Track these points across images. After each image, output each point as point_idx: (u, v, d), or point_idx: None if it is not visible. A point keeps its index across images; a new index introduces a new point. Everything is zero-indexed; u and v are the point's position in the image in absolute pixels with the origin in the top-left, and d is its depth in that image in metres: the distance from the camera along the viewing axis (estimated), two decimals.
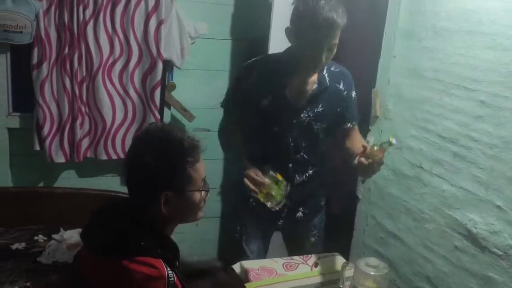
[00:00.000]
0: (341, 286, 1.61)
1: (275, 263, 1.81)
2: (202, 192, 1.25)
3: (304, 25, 1.50)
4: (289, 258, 1.87)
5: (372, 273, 1.46)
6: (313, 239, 1.98)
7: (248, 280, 1.69)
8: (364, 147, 1.51)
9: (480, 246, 1.71)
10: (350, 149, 1.77)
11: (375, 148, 1.46)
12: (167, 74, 2.47)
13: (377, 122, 2.23)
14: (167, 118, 2.55)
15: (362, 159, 1.49)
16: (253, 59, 1.74)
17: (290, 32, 1.58)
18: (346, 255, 2.38)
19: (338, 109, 1.75)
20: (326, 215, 2.03)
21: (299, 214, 1.90)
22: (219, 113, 2.78)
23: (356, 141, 1.78)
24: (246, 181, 1.61)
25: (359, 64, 2.74)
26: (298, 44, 1.58)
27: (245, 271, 1.74)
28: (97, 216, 1.24)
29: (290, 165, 1.77)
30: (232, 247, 2.03)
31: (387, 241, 2.22)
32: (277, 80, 1.66)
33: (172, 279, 1.14)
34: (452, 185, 1.84)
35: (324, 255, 1.91)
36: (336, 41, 1.54)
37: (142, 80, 2.39)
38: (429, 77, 1.93)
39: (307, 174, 1.82)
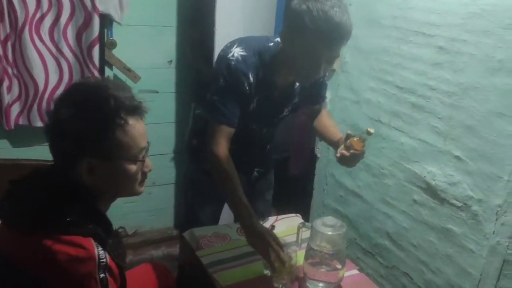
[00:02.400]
0: (297, 248, 1.52)
1: (229, 229, 1.71)
2: (139, 163, 1.07)
3: (314, 32, 1.25)
4: None
5: (330, 232, 1.37)
6: (268, 197, 1.90)
7: (199, 248, 1.58)
8: (348, 135, 1.40)
9: (439, 199, 1.66)
10: (318, 130, 1.68)
11: (355, 139, 1.38)
12: (105, 30, 2.25)
13: (334, 75, 2.12)
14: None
15: (344, 151, 1.40)
16: (241, 53, 1.40)
17: (289, 37, 1.33)
18: (306, 216, 2.33)
19: (312, 94, 1.65)
20: (286, 177, 1.95)
21: (255, 174, 1.80)
22: (167, 73, 2.61)
23: (324, 120, 1.68)
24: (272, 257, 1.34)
25: None
26: (297, 52, 1.32)
27: (196, 239, 1.62)
28: (16, 186, 1.07)
29: (257, 151, 1.72)
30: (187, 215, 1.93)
31: (346, 199, 2.16)
32: (268, 83, 1.48)
33: (104, 260, 0.98)
34: (411, 138, 1.77)
35: (282, 217, 1.83)
36: (339, 53, 1.36)
37: (76, 37, 2.16)
38: (386, 25, 1.82)
39: (268, 147, 1.78)
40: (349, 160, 1.40)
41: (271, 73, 1.45)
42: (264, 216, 1.80)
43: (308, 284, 1.39)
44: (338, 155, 1.42)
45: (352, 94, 2.05)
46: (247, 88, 1.43)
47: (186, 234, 1.67)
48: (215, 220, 1.86)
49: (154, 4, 2.40)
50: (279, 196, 2.14)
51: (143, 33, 2.42)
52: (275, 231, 1.71)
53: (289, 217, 1.84)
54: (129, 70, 2.33)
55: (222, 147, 1.44)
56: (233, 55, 1.40)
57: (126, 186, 1.09)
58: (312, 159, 2.42)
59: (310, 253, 1.39)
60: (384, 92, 1.87)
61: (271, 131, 1.70)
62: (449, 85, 1.58)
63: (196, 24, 2.44)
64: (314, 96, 1.65)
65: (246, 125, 1.54)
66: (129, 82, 2.41)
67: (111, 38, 2.27)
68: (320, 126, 1.67)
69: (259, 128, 1.62)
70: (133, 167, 1.05)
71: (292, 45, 1.33)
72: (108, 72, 2.32)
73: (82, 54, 2.18)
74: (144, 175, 1.12)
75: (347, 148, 1.39)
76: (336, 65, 2.11)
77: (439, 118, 1.63)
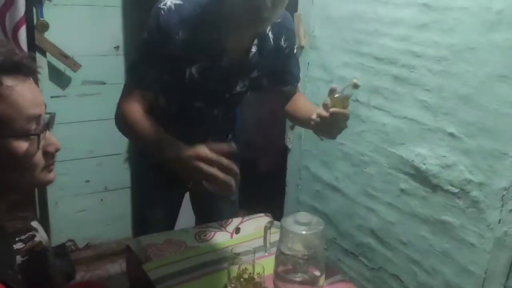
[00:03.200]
0: (266, 254, 1.24)
1: (185, 234, 1.42)
2: (32, 139, 0.78)
3: None
4: (204, 225, 1.48)
5: (303, 232, 1.09)
6: (233, 198, 1.59)
7: (148, 259, 1.28)
8: (331, 91, 1.07)
9: (431, 186, 1.41)
10: (291, 114, 1.38)
11: (336, 95, 1.05)
12: (34, 9, 1.93)
13: (302, 52, 1.85)
14: (43, 67, 2.01)
15: (321, 111, 1.07)
16: (176, 2, 1.12)
17: None
18: (279, 216, 2.06)
19: (276, 70, 1.33)
20: (255, 174, 1.64)
21: None
22: (114, 61, 2.29)
23: (299, 105, 1.37)
24: (201, 165, 0.99)
25: None
26: None
27: (144, 249, 1.32)
28: None
29: (213, 139, 1.35)
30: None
31: (324, 194, 1.90)
32: (213, 45, 1.16)
33: None
34: (394, 117, 1.52)
35: (249, 218, 1.54)
36: None
37: None
38: None
39: (229, 138, 1.48)
40: (329, 124, 1.08)
41: (217, 31, 1.15)
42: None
43: None
44: (314, 116, 1.09)
45: (324, 72, 1.79)
46: (178, 46, 1.13)
47: (132, 243, 1.37)
48: (169, 225, 1.56)
49: None
50: (248, 196, 1.85)
51: (82, 14, 2.10)
52: (240, 234, 1.44)
53: (257, 217, 1.56)
54: (66, 56, 2.02)
55: (131, 105, 1.17)
56: (165, 4, 1.11)
57: (23, 173, 0.80)
58: (283, 151, 2.15)
59: (280, 259, 1.11)
60: (361, 67, 1.61)
61: (227, 113, 1.39)
62: (438, 49, 1.33)
63: (145, 2, 2.14)
64: (282, 73, 1.35)
65: (188, 102, 1.25)
66: (68, 71, 2.10)
67: (41, 19, 1.95)
68: (292, 108, 1.37)
69: (208, 107, 1.31)
70: (23, 145, 0.77)
71: None
72: (41, 59, 2.00)
73: (6, 37, 1.84)
74: (49, 156, 0.83)
75: (326, 107, 1.06)
76: (303, 41, 1.85)
77: (427, 90, 1.38)
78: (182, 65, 1.17)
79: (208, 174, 0.97)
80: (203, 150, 0.98)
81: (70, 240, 2.35)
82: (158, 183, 1.47)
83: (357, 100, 1.66)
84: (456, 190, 1.33)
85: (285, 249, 1.10)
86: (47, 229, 2.23)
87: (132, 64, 1.21)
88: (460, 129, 1.31)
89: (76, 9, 2.08)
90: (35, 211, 2.13)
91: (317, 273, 1.11)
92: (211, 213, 1.57)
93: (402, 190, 1.52)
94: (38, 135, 0.79)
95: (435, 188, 1.40)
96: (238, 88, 1.29)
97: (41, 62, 2.00)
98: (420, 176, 1.44)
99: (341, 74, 1.71)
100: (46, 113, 0.82)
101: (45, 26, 1.95)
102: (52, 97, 2.09)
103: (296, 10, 1.86)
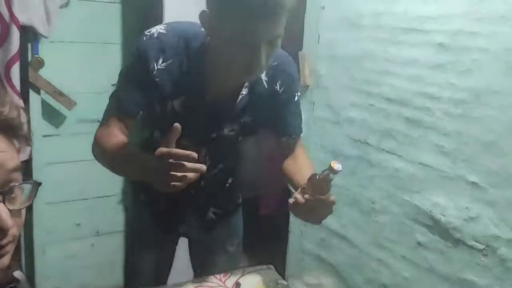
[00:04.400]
0: None
1: None
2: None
3: (232, 4, 0.90)
4: (200, 279, 1.34)
5: None
6: (230, 249, 1.45)
7: None
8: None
9: (452, 240, 1.28)
10: (287, 176, 1.23)
11: (316, 178, 0.95)
12: (29, 45, 1.86)
13: (307, 92, 1.77)
14: (36, 105, 1.93)
15: (298, 195, 0.97)
16: (160, 31, 1.07)
17: (208, 19, 0.98)
18: (282, 266, 1.92)
19: (271, 118, 1.21)
20: (257, 218, 1.50)
21: (210, 215, 1.37)
22: None
23: (298, 161, 1.24)
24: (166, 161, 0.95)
25: None
26: (221, 37, 0.96)
27: None
28: None
29: (202, 182, 1.23)
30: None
31: (330, 242, 1.77)
32: (196, 80, 1.08)
33: None
34: (408, 162, 1.41)
35: (250, 270, 1.40)
36: (282, 29, 0.96)
37: None
38: (368, 25, 1.50)
39: (228, 183, 1.34)
40: (307, 211, 0.97)
41: (201, 68, 1.06)
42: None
43: None
44: (291, 201, 0.99)
45: (331, 113, 1.70)
46: (157, 74, 1.05)
47: None
48: (161, 275, 1.42)
49: (94, 17, 2.04)
50: (248, 242, 1.72)
51: (80, 51, 2.04)
52: None
53: (260, 269, 1.42)
54: (61, 94, 1.93)
55: (105, 129, 1.10)
56: (149, 31, 1.06)
57: None
58: (286, 193, 2.03)
59: None
60: (370, 107, 1.52)
61: (218, 155, 1.25)
62: (455, 91, 1.24)
63: None
64: (278, 121, 1.21)
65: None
66: (62, 109, 2.01)
67: (36, 56, 1.88)
68: (288, 168, 1.23)
69: (195, 146, 1.18)
70: None
71: (214, 27, 0.97)
72: (34, 97, 1.91)
73: None
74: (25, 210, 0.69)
75: (303, 192, 0.96)
76: (308, 80, 1.77)
77: (445, 134, 1.28)
78: (162, 95, 1.08)
79: (174, 165, 0.92)
80: (161, 148, 0.94)
81: None
82: (151, 226, 1.35)
83: (366, 143, 1.55)
84: (481, 247, 1.21)
85: None
86: (32, 276, 2.08)
87: (112, 92, 1.13)
88: (483, 178, 1.20)
89: (74, 46, 2.01)
90: (20, 258, 1.99)
91: None
92: (209, 264, 1.43)
93: (419, 243, 1.39)
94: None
95: (456, 242, 1.27)
96: (226, 131, 1.17)
97: (35, 100, 1.92)
98: (439, 228, 1.32)
99: (349, 115, 1.62)
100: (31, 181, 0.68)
101: (40, 63, 1.88)
102: (44, 136, 2.00)
103: (301, 49, 1.80)
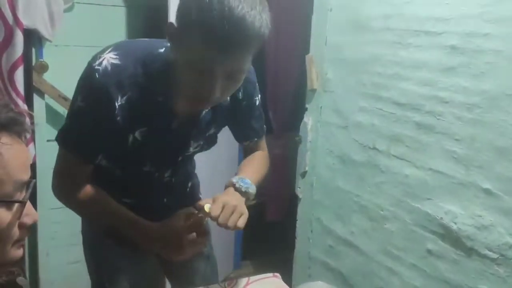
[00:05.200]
0: None
1: None
2: (16, 207, 0.67)
3: (201, 25, 0.83)
4: None
5: None
6: (207, 252, 1.38)
7: None
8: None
9: (464, 248, 1.24)
10: (238, 169, 1.22)
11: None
12: (33, 49, 1.85)
13: (315, 96, 1.73)
14: (40, 109, 1.91)
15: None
16: (113, 62, 0.95)
17: (174, 31, 0.90)
18: (288, 274, 1.88)
19: (234, 125, 1.20)
20: (262, 223, 1.45)
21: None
22: None
23: (251, 161, 1.24)
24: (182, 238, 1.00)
25: (286, 24, 2.27)
26: (181, 55, 0.90)
27: None
28: None
29: (165, 199, 1.21)
30: None
31: (337, 249, 1.73)
32: (160, 107, 1.01)
33: None
34: (418, 168, 1.37)
35: (255, 279, 1.37)
36: (246, 65, 0.90)
37: None
38: (377, 28, 1.46)
39: (188, 187, 1.31)
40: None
41: (162, 94, 0.99)
42: (208, 281, 1.31)
43: None
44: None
45: (339, 117, 1.66)
46: (117, 112, 0.96)
47: None
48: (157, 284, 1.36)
49: (98, 20, 2.03)
50: (253, 249, 1.68)
51: (85, 55, 1.99)
52: None
53: (265, 277, 1.39)
54: (65, 99, 1.91)
55: (76, 186, 1.06)
56: (100, 63, 0.94)
57: None
58: (293, 200, 1.99)
59: None
60: (379, 112, 1.48)
61: (181, 174, 1.21)
62: (468, 95, 1.20)
63: None
64: (240, 127, 1.19)
65: (134, 166, 1.10)
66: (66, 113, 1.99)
67: (41, 60, 1.87)
68: (240, 166, 1.22)
69: (158, 171, 1.14)
70: (4, 214, 0.65)
71: (178, 49, 0.90)
72: (38, 101, 1.90)
73: (3, 79, 1.76)
74: (25, 229, 0.70)
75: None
76: (315, 84, 1.74)
77: (457, 139, 1.24)
78: (123, 130, 1.00)
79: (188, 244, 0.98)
80: (175, 223, 0.99)
81: None
82: (115, 254, 1.23)
83: (375, 148, 1.52)
84: (495, 256, 1.16)
85: None
86: (36, 282, 2.06)
87: (65, 130, 1.03)
88: (497, 185, 1.15)
89: (79, 50, 2.00)
90: (23, 264, 1.97)
91: None
92: (186, 274, 1.37)
93: (429, 251, 1.35)
94: (24, 203, 0.67)
95: (469, 251, 1.22)
96: (191, 149, 1.13)
97: (39, 104, 1.90)
98: (450, 236, 1.27)
99: (357, 119, 1.58)
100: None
101: (44, 67, 1.87)
102: (48, 140, 1.98)
103: (308, 52, 1.76)
